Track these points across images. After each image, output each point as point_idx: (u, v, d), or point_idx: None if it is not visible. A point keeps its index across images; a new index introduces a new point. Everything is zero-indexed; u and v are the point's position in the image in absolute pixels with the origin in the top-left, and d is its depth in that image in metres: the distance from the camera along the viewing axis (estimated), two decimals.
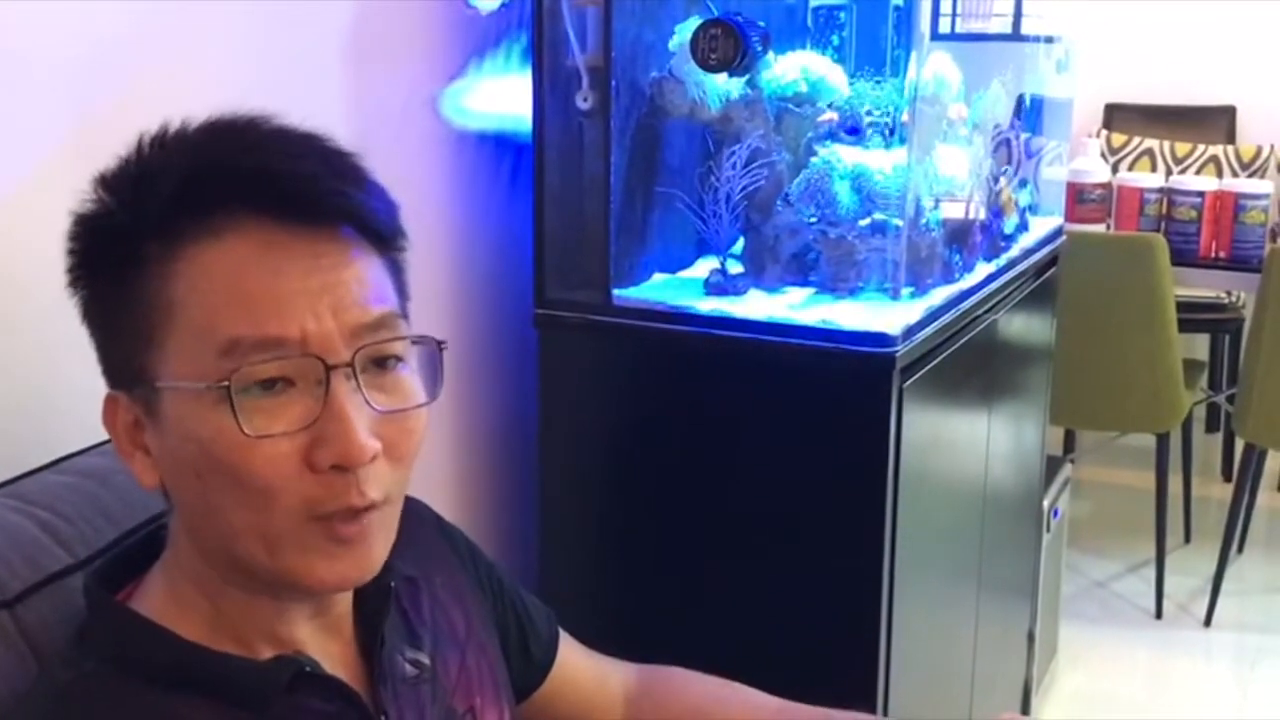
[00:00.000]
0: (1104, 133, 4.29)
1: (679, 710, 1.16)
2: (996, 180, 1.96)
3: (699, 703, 1.17)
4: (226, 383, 0.76)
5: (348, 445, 0.78)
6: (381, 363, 0.82)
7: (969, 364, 1.80)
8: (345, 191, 0.82)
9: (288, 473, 0.77)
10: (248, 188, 0.79)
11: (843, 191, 1.60)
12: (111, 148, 0.82)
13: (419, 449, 0.84)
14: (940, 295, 1.68)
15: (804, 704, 1.16)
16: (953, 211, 1.78)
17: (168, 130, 0.81)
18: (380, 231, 0.84)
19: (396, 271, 0.86)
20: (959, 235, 1.79)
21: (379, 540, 0.83)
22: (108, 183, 0.81)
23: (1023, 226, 2.12)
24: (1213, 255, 3.10)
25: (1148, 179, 3.20)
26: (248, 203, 0.78)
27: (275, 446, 0.77)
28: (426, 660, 0.94)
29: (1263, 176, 3.92)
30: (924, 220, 1.67)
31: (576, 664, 1.16)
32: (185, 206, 0.78)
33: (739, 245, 1.69)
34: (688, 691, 1.18)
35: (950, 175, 1.77)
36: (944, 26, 1.84)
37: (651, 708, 1.16)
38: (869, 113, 1.64)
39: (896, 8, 1.66)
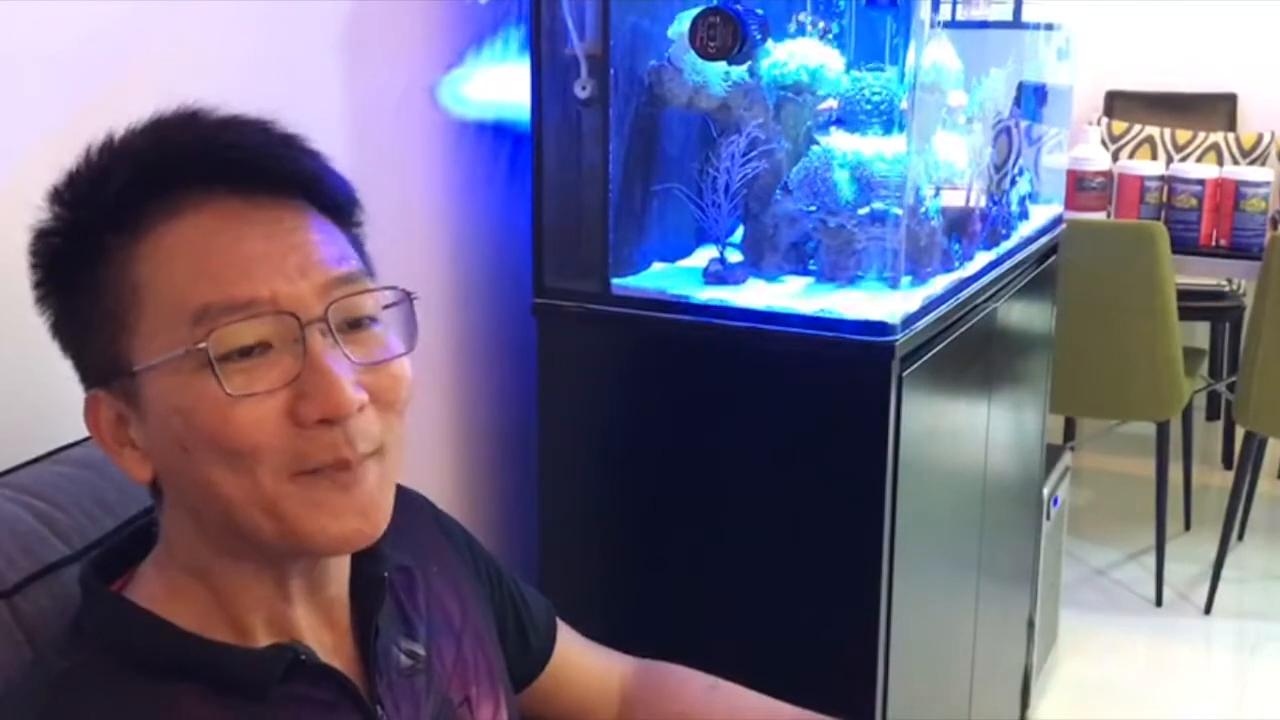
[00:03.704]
0: (1104, 120, 4.29)
1: (671, 714, 1.16)
2: (999, 167, 1.95)
3: (687, 709, 1.17)
4: (204, 345, 0.76)
5: (333, 396, 0.78)
6: (356, 324, 0.82)
7: (969, 352, 1.80)
8: (297, 159, 0.83)
9: (272, 430, 0.77)
10: (200, 165, 0.80)
11: (842, 180, 1.60)
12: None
13: (409, 397, 0.84)
14: (940, 284, 1.68)
15: (793, 706, 1.16)
16: (952, 200, 1.78)
17: (114, 137, 0.82)
18: (336, 201, 0.85)
19: (358, 245, 0.87)
20: (958, 223, 1.79)
21: (381, 491, 0.82)
22: (61, 195, 0.81)
23: (1023, 214, 2.12)
24: (1213, 243, 3.09)
25: (1148, 167, 3.19)
26: (202, 179, 0.79)
27: (258, 405, 0.77)
28: (421, 650, 0.94)
29: (1263, 164, 3.92)
30: (923, 209, 1.66)
31: (575, 655, 1.16)
32: (140, 192, 0.79)
33: (738, 234, 1.69)
34: (679, 695, 1.18)
35: (950, 163, 1.76)
36: (944, 13, 1.84)
37: (644, 708, 1.16)
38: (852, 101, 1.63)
39: None
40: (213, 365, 0.76)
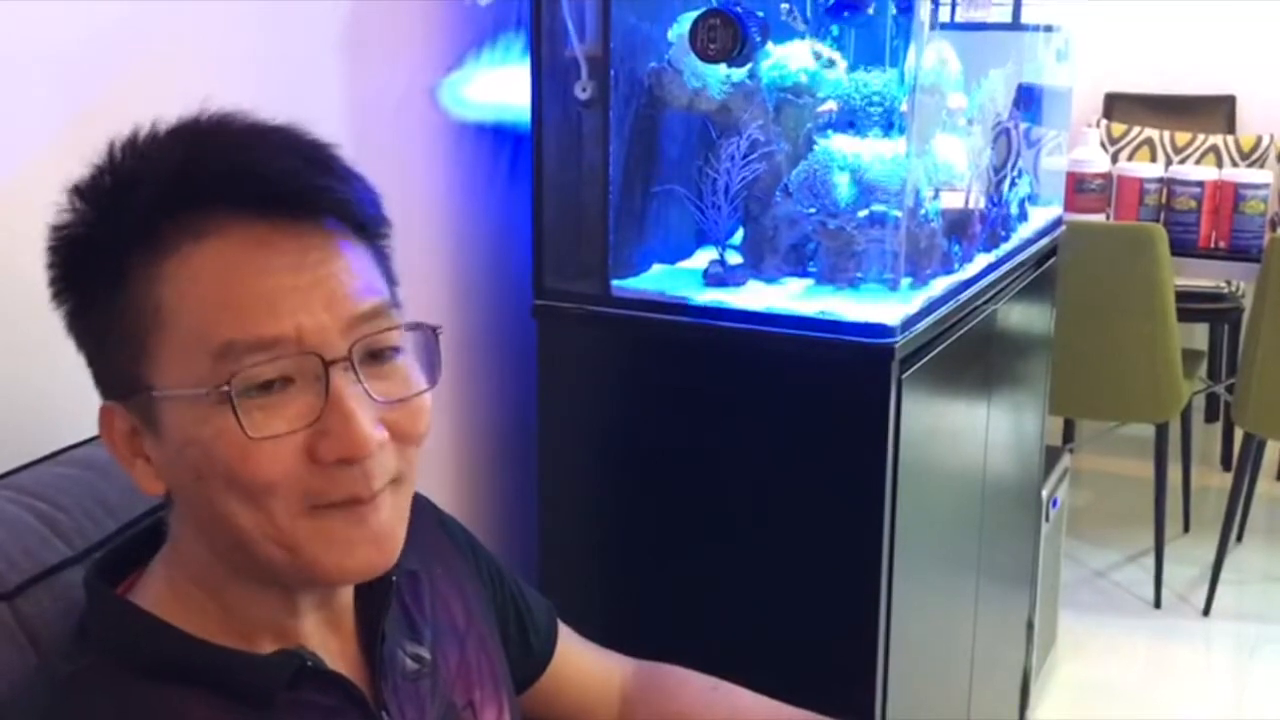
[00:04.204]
0: (1104, 122, 4.29)
1: (671, 715, 1.16)
2: (999, 169, 1.95)
3: (687, 710, 1.17)
4: (226, 387, 0.75)
5: (353, 437, 0.77)
6: (378, 355, 0.81)
7: (968, 354, 1.80)
8: (327, 185, 0.81)
9: (290, 468, 0.77)
10: (228, 188, 0.78)
11: (842, 182, 1.60)
12: (108, 140, 0.81)
13: (428, 430, 0.84)
14: (939, 286, 1.68)
15: (794, 707, 1.16)
16: (952, 202, 1.78)
17: (139, 135, 0.80)
18: (364, 221, 0.83)
19: (383, 259, 0.86)
20: (958, 226, 1.79)
21: (395, 522, 0.82)
22: (83, 193, 0.80)
23: (1022, 216, 2.12)
24: (1212, 245, 3.10)
25: (1147, 169, 3.20)
26: (229, 203, 0.78)
27: (277, 445, 0.77)
28: (427, 654, 0.94)
29: (1262, 166, 3.92)
30: (923, 211, 1.67)
31: (576, 657, 1.16)
32: (165, 213, 0.77)
33: (738, 236, 1.69)
34: (679, 695, 1.18)
35: (949, 165, 1.76)
36: (944, 15, 1.84)
37: (645, 708, 1.16)
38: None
39: None
40: (233, 405, 0.75)
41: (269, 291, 0.77)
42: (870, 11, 1.66)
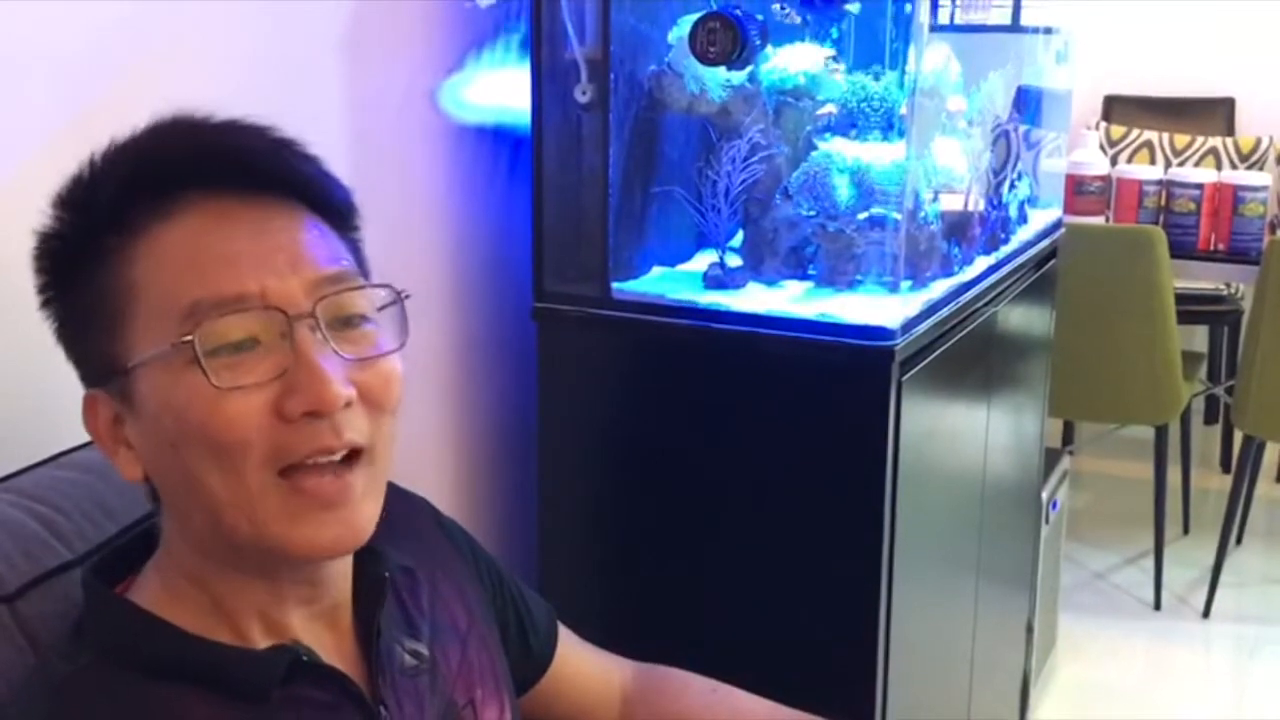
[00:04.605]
0: (1103, 124, 4.29)
1: (671, 717, 1.16)
2: (998, 171, 1.95)
3: (687, 712, 1.17)
4: (190, 337, 0.77)
5: (320, 390, 0.78)
6: (347, 321, 0.82)
7: (968, 357, 1.80)
8: (292, 163, 0.84)
9: (259, 424, 0.78)
10: (196, 166, 0.81)
11: (841, 185, 1.60)
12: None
13: (400, 398, 0.84)
14: (939, 288, 1.68)
15: (793, 709, 1.16)
16: (951, 204, 1.78)
17: (115, 142, 0.83)
18: (332, 205, 0.85)
19: (355, 250, 0.87)
20: (958, 228, 1.79)
21: (366, 499, 0.83)
22: (63, 200, 0.82)
23: (1022, 219, 2.12)
24: (1211, 247, 3.10)
25: (1147, 171, 3.20)
26: (197, 180, 0.80)
27: (245, 399, 0.77)
28: (425, 650, 0.94)
29: (1261, 168, 3.92)
30: (923, 213, 1.67)
31: (576, 659, 1.16)
32: (136, 193, 0.80)
33: (738, 238, 1.69)
34: (680, 698, 1.18)
35: (949, 167, 1.77)
36: (943, 17, 1.85)
37: (645, 710, 1.17)
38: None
39: None
40: (199, 359, 0.77)
41: (233, 254, 0.79)
42: (852, 9, 1.66)
